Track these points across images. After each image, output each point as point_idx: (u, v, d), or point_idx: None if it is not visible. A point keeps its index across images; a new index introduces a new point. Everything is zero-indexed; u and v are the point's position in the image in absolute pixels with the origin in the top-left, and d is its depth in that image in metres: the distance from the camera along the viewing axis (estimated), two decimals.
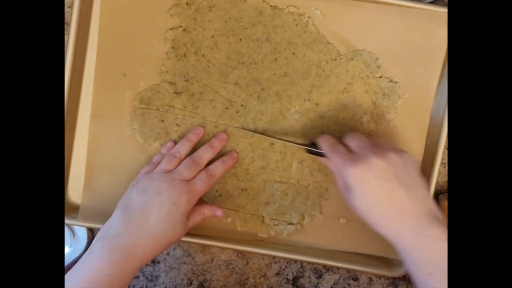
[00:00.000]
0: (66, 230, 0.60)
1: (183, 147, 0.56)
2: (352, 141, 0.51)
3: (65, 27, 0.59)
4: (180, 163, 0.55)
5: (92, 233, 0.61)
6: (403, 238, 0.46)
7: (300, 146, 0.56)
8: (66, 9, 0.60)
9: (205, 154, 0.56)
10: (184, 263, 0.62)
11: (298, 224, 0.59)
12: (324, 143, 0.53)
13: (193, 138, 0.57)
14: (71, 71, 0.57)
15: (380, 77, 0.58)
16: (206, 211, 0.55)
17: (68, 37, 0.56)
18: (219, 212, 0.56)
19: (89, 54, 0.59)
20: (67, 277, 0.48)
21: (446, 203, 0.58)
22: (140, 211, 0.50)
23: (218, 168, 0.56)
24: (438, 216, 0.46)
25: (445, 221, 0.46)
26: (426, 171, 0.58)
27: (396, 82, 0.58)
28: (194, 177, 0.54)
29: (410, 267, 0.46)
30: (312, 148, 0.55)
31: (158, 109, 0.58)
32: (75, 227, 0.60)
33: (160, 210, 0.50)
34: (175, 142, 0.58)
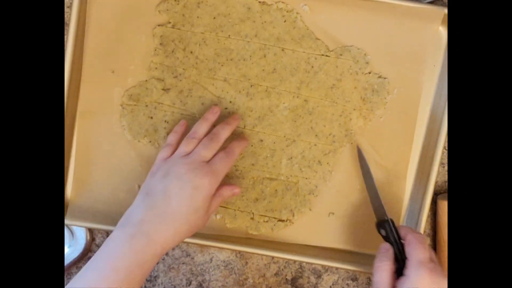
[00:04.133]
0: (66, 230, 0.60)
1: (201, 127, 0.54)
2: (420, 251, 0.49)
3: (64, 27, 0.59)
4: (198, 143, 0.53)
5: (91, 233, 0.61)
6: None
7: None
8: (65, 9, 0.59)
9: (221, 131, 0.54)
10: (183, 263, 0.62)
11: (288, 221, 0.59)
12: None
13: (211, 117, 0.55)
14: (70, 71, 0.56)
15: (369, 73, 0.58)
16: (224, 192, 0.54)
17: (67, 37, 0.56)
18: (237, 190, 0.55)
19: None
20: (88, 266, 0.47)
21: (445, 203, 0.58)
22: (161, 196, 0.49)
23: (236, 146, 0.54)
24: None
25: None
26: (425, 171, 0.58)
27: (385, 78, 0.58)
28: (213, 157, 0.52)
29: None
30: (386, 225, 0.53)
31: (146, 106, 0.58)
32: (74, 227, 0.60)
33: (181, 194, 0.49)
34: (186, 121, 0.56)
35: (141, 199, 0.50)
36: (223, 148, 0.53)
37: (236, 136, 0.57)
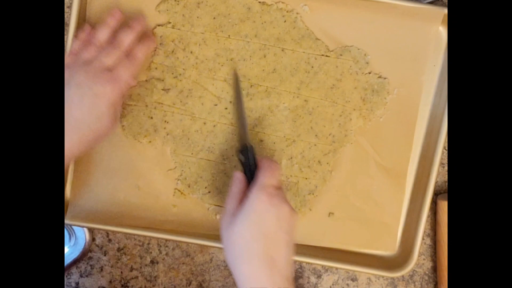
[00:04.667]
0: (65, 230, 0.60)
1: (101, 32, 0.52)
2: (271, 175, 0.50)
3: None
4: (100, 51, 0.51)
5: (91, 233, 0.61)
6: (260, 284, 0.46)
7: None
8: (65, 10, 0.60)
9: (124, 37, 0.52)
10: (183, 263, 0.62)
11: None
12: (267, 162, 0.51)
13: (111, 21, 0.53)
14: None
15: (369, 73, 0.58)
16: (139, 53, 0.53)
17: (67, 37, 0.56)
18: (152, 44, 0.54)
19: None
20: None
21: (445, 203, 0.58)
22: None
23: (139, 50, 0.53)
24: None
25: None
26: (425, 171, 0.58)
27: (385, 78, 0.58)
28: (116, 65, 0.51)
29: None
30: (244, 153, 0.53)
31: (147, 106, 0.58)
32: (74, 227, 0.60)
33: (82, 102, 0.48)
34: (92, 27, 0.54)
35: None
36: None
37: (144, 38, 0.55)
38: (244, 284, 0.46)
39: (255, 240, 0.46)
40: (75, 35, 0.55)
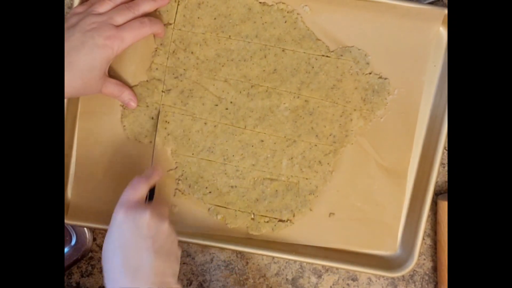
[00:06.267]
0: (66, 230, 0.60)
1: None
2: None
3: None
4: (113, 8, 0.52)
5: (92, 233, 0.61)
6: None
7: None
8: (65, 10, 0.60)
9: (142, 3, 0.53)
10: (184, 263, 0.62)
11: (289, 221, 0.59)
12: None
13: None
14: None
15: (370, 73, 0.58)
16: (124, 94, 0.55)
17: None
18: (133, 104, 0.56)
19: None
20: None
21: (445, 203, 0.58)
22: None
23: (150, 20, 0.53)
24: None
25: None
26: (425, 171, 0.58)
27: (385, 79, 0.58)
28: (125, 26, 0.51)
29: None
30: None
31: (147, 106, 0.58)
32: (75, 227, 0.60)
33: (81, 48, 0.49)
34: None
35: None
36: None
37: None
38: None
39: (114, 253, 0.47)
40: None
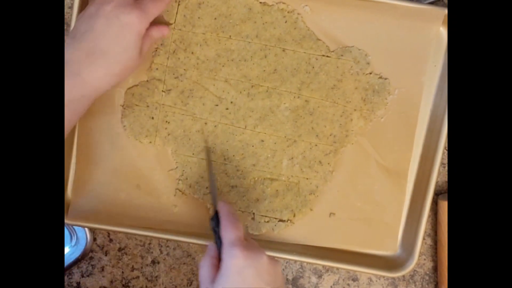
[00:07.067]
0: (66, 230, 0.60)
1: None
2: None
3: (65, 27, 0.59)
4: None
5: (92, 233, 0.61)
6: None
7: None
8: (66, 10, 0.60)
9: None
10: (184, 263, 0.62)
11: (289, 221, 0.59)
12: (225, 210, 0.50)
13: None
14: None
15: (370, 73, 0.58)
16: (153, 32, 0.53)
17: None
18: (165, 31, 0.54)
19: None
20: None
21: (446, 203, 0.58)
22: (88, 36, 0.47)
23: None
24: None
25: None
26: (425, 171, 0.58)
27: (386, 79, 0.58)
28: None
29: None
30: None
31: (148, 106, 0.58)
32: (75, 227, 0.60)
33: (109, 31, 0.47)
34: None
35: (68, 42, 0.48)
36: None
37: None
38: None
39: None
40: None
